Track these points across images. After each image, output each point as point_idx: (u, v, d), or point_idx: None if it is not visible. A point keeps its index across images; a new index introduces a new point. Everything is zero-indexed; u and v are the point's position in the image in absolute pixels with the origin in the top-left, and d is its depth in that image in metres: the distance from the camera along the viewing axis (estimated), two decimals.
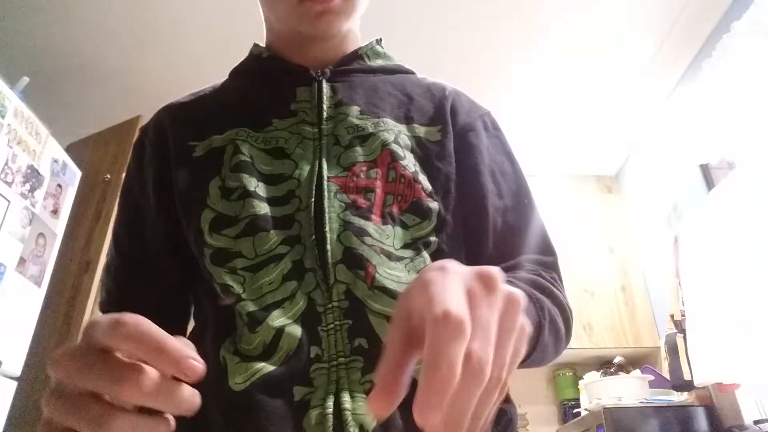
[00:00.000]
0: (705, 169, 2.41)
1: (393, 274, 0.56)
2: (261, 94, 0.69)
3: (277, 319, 0.54)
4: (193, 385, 0.44)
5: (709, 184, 2.37)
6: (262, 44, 0.75)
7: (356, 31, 0.75)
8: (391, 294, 0.55)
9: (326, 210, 0.58)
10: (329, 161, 0.62)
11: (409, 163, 0.62)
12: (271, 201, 0.60)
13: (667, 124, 2.61)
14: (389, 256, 0.57)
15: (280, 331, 0.53)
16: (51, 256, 1.86)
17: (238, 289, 0.56)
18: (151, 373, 0.30)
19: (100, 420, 0.30)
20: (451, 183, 0.64)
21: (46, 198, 1.84)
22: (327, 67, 0.70)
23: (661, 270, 2.64)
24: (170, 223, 0.65)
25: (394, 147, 0.62)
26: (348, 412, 0.49)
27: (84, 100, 2.63)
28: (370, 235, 0.57)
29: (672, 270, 2.36)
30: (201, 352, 0.42)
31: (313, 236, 0.57)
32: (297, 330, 0.53)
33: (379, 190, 0.60)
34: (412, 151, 0.64)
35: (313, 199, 0.59)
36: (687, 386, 2.11)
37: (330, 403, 0.50)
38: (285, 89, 0.68)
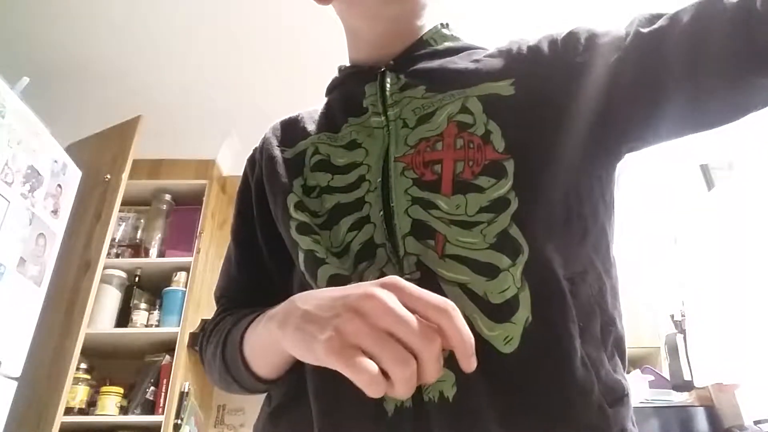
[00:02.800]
0: (705, 169, 2.41)
1: (466, 242, 0.55)
2: (340, 101, 0.74)
3: None
4: None
5: (709, 184, 2.37)
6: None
7: (427, 26, 0.76)
8: (463, 261, 0.54)
9: (392, 186, 0.60)
10: (397, 143, 0.63)
11: (479, 126, 0.60)
12: (343, 190, 0.63)
13: None
14: (462, 224, 0.56)
15: None
16: (51, 257, 1.86)
17: (321, 255, 0.60)
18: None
19: (409, 362, 0.38)
20: (529, 135, 0.59)
21: (46, 198, 1.84)
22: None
23: (661, 270, 2.64)
24: (270, 226, 0.71)
25: (460, 117, 0.61)
26: None
27: (84, 101, 2.63)
28: (439, 208, 0.57)
29: (672, 270, 2.36)
30: None
31: (381, 212, 0.59)
32: None
33: (447, 161, 0.60)
34: (484, 111, 0.61)
35: (380, 179, 0.61)
36: (687, 386, 2.11)
37: None
38: (357, 90, 0.72)
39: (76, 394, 2.22)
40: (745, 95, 0.55)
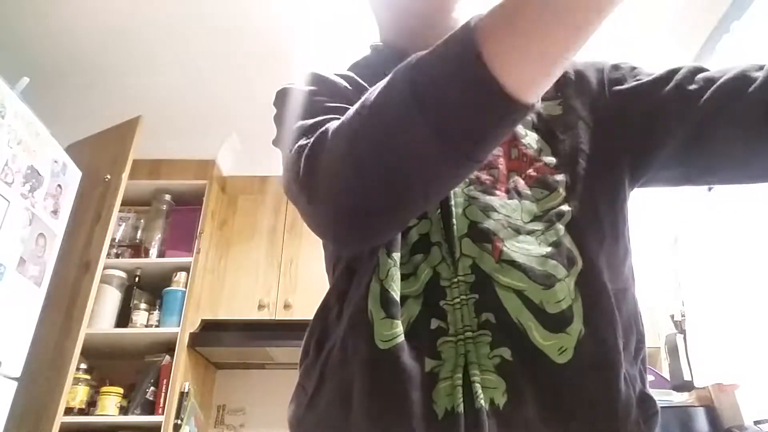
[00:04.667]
0: None
1: (522, 247, 0.55)
2: (375, 84, 0.70)
3: (401, 290, 0.54)
4: (342, 335, 0.50)
5: None
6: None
7: (462, 18, 0.75)
8: (520, 267, 0.54)
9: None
10: None
11: (531, 141, 0.61)
12: None
13: None
14: (517, 230, 0.56)
15: (402, 299, 0.54)
16: (51, 257, 1.86)
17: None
18: None
19: None
20: (578, 153, 0.62)
21: (46, 198, 1.84)
22: None
23: (661, 270, 2.63)
24: None
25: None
26: (478, 386, 0.50)
27: (84, 101, 2.63)
28: (496, 210, 0.57)
29: (672, 270, 2.36)
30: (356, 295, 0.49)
31: (439, 210, 0.58)
32: (417, 303, 0.54)
33: (502, 167, 0.60)
34: (533, 126, 0.63)
35: None
36: (687, 387, 2.11)
37: (459, 375, 0.50)
38: None
39: (76, 394, 2.22)
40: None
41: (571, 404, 0.50)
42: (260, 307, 2.60)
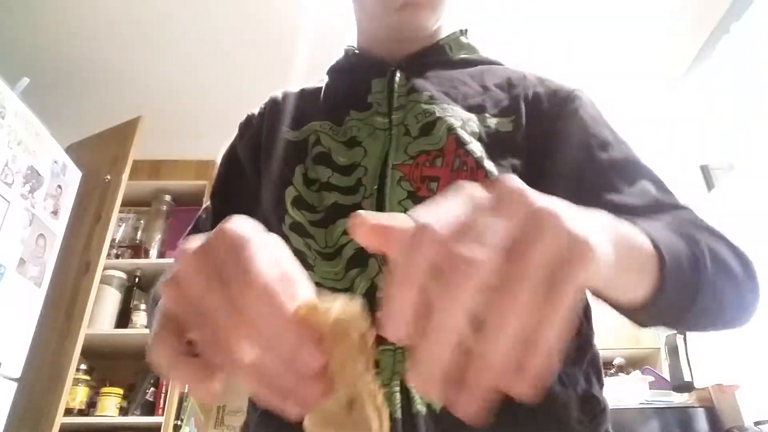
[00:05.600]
0: (705, 170, 2.41)
1: None
2: (345, 89, 0.74)
3: None
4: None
5: (709, 184, 2.37)
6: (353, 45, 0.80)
7: (444, 27, 0.77)
8: None
9: (387, 196, 0.60)
10: (397, 150, 0.64)
11: (475, 149, 0.62)
12: (342, 190, 0.63)
13: (668, 124, 2.61)
14: None
15: None
16: (51, 257, 1.86)
17: (310, 260, 0.59)
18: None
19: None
20: (521, 170, 0.62)
21: (46, 199, 1.84)
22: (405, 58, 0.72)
23: None
24: (257, 182, 0.70)
25: (460, 132, 0.63)
26: (415, 392, 0.51)
27: (84, 101, 2.63)
28: None
29: None
30: None
31: None
32: None
33: (443, 180, 0.61)
34: (480, 139, 0.64)
35: (376, 186, 0.61)
36: (687, 387, 2.11)
37: (397, 382, 0.52)
38: (363, 82, 0.71)
39: (75, 395, 2.22)
40: None
41: (504, 405, 0.50)
42: None
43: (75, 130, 2.38)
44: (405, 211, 0.58)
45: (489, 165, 0.60)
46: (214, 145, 3.13)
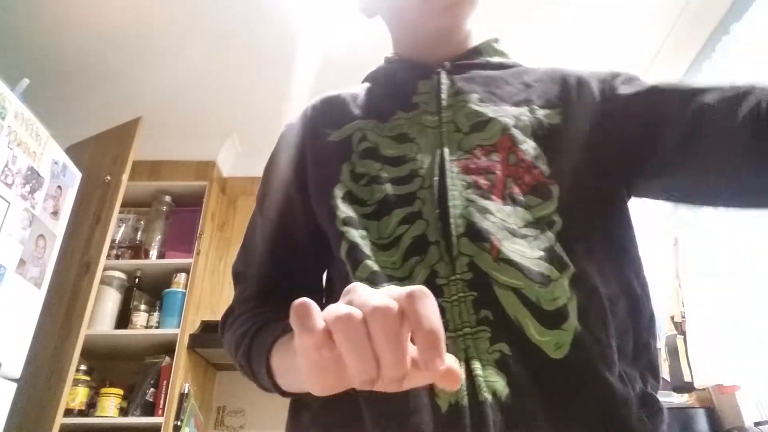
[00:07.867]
0: None
1: (517, 249, 0.56)
2: (388, 91, 0.75)
3: None
4: None
5: None
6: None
7: (474, 30, 0.78)
8: (516, 266, 0.55)
9: (449, 187, 0.60)
10: (450, 146, 0.64)
11: (529, 148, 0.63)
12: (393, 180, 0.64)
13: None
14: (512, 233, 0.58)
15: None
16: (51, 258, 1.86)
17: (367, 250, 0.59)
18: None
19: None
20: (573, 163, 0.63)
21: (46, 200, 1.84)
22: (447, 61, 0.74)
23: (661, 271, 2.63)
24: (309, 202, 0.70)
25: (514, 132, 0.64)
26: (481, 379, 0.51)
27: (84, 102, 2.63)
28: (493, 213, 0.59)
29: (672, 271, 2.36)
30: None
31: (437, 210, 0.59)
32: None
33: (499, 173, 0.61)
34: (533, 133, 0.64)
35: (436, 178, 0.62)
36: (687, 388, 2.11)
37: (461, 370, 0.51)
38: (408, 84, 0.73)
39: (75, 395, 2.22)
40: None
41: (571, 398, 0.51)
42: None
43: (75, 131, 2.39)
44: (467, 201, 0.59)
45: (542, 164, 0.62)
46: (214, 145, 3.16)
